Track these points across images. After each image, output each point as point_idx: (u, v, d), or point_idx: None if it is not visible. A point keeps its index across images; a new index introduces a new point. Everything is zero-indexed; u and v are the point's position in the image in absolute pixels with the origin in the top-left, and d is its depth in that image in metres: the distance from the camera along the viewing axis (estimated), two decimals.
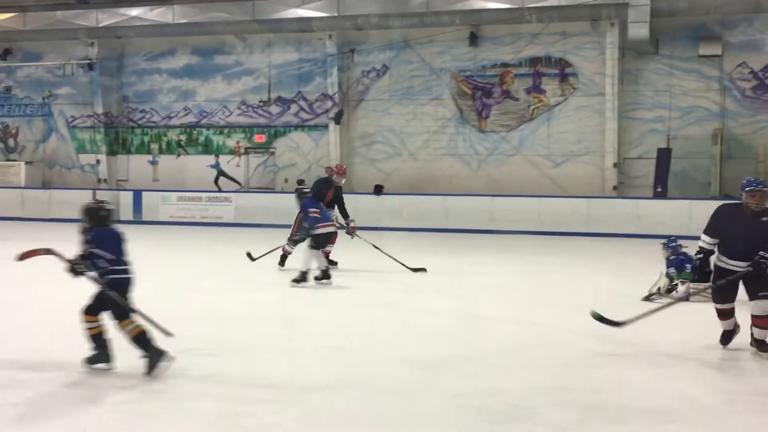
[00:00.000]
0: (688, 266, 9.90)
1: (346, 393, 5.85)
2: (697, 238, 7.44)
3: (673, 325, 8.37)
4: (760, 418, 5.34)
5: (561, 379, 6.27)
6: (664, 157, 19.83)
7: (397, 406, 5.52)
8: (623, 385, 6.09)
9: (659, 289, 10.03)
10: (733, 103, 20.32)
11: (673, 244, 10.41)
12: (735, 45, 20.20)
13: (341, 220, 12.80)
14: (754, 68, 20.14)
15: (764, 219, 6.98)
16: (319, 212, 11.36)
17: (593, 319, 7.46)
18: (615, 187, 20.84)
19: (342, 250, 12.83)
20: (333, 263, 12.53)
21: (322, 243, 11.25)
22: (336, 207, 12.83)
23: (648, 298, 9.89)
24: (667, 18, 19.93)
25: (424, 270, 12.27)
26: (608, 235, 18.55)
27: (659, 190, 19.45)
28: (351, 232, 12.72)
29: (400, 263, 12.30)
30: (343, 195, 12.96)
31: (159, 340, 6.35)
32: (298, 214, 12.58)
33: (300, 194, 12.69)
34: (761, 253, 6.88)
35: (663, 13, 19.50)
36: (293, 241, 12.58)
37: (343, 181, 13.11)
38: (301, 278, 10.88)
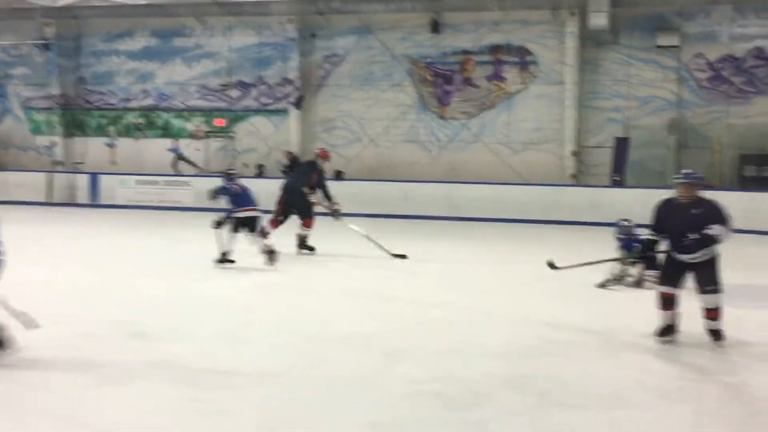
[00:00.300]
0: (637, 245, 9.75)
1: (303, 380, 5.86)
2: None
3: (629, 313, 8.51)
4: (709, 404, 5.45)
5: (517, 365, 6.34)
6: (621, 146, 20.05)
7: (355, 394, 5.54)
8: (578, 372, 6.18)
9: (613, 276, 10.16)
10: (689, 94, 20.59)
11: (625, 223, 10.49)
12: (692, 36, 20.45)
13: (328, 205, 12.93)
14: (710, 59, 20.41)
15: (696, 210, 7.12)
16: (240, 195, 11.43)
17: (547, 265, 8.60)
18: (573, 176, 21.03)
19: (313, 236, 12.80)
20: (311, 248, 12.62)
21: (239, 227, 11.27)
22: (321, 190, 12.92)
23: (603, 285, 10.03)
24: (627, 8, 20.13)
25: (404, 257, 12.25)
26: (566, 223, 18.71)
27: (617, 178, 19.67)
28: (336, 214, 12.75)
29: (383, 248, 12.32)
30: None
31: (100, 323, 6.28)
32: (281, 196, 12.81)
33: (226, 177, 12.46)
34: (694, 237, 6.99)
35: (622, 3, 19.70)
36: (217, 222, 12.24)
37: (327, 165, 13.22)
38: (222, 259, 11.13)
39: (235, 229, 11.27)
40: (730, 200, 18.64)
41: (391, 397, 5.44)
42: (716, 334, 7.07)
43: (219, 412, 5.11)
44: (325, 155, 13.27)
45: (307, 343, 6.94)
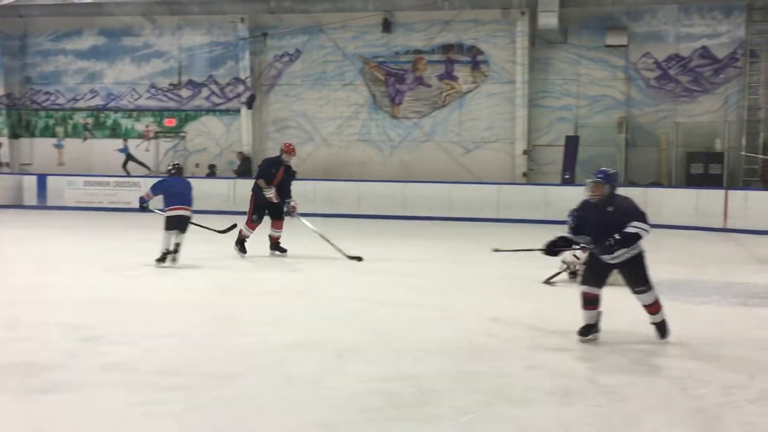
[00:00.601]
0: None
1: (255, 380, 5.82)
2: None
3: (577, 309, 8.59)
4: (657, 399, 5.52)
5: (468, 363, 6.36)
6: (571, 144, 20.28)
7: (306, 393, 5.52)
8: (528, 368, 6.22)
9: (562, 269, 10.27)
10: (637, 93, 20.90)
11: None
12: (640, 35, 20.76)
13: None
14: (657, 59, 20.74)
15: (609, 209, 7.07)
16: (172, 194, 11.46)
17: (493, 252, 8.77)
18: (524, 174, 21.23)
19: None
20: (283, 250, 12.49)
21: (170, 225, 11.23)
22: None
23: (548, 281, 10.13)
24: (576, 8, 20.38)
25: (360, 259, 12.07)
26: (518, 221, 18.87)
27: (567, 176, 19.88)
28: (290, 212, 12.52)
29: (338, 249, 12.19)
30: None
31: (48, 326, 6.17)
32: (251, 197, 12.66)
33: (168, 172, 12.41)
34: (614, 237, 6.86)
35: (571, 3, 19.93)
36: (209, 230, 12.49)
37: (293, 160, 12.76)
38: (161, 259, 11.13)
39: (168, 227, 11.17)
40: (678, 197, 19.05)
41: (342, 397, 5.42)
42: (660, 327, 7.12)
43: (167, 414, 5.05)
44: (289, 150, 12.79)
45: (258, 344, 6.89)
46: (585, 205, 7.31)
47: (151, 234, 13.21)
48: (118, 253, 13.06)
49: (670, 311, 8.54)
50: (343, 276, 10.95)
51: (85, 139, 24.52)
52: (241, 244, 12.44)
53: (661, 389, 5.74)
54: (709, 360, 6.53)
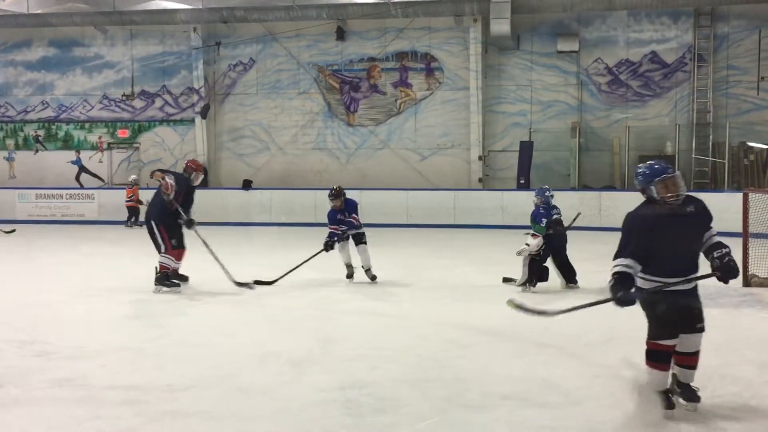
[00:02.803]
0: (544, 221, 10.02)
1: (209, 392, 5.76)
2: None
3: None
4: (613, 401, 5.57)
5: (425, 369, 6.37)
6: (526, 149, 20.45)
7: (262, 404, 5.48)
8: (486, 374, 6.24)
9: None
10: (590, 98, 21.18)
11: (545, 193, 10.31)
12: (591, 41, 21.04)
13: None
14: (608, 64, 21.05)
15: (690, 209, 5.30)
16: None
17: (511, 308, 6.03)
18: (480, 180, 21.37)
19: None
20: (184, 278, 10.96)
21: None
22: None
23: (507, 280, 10.38)
24: (527, 14, 20.59)
25: (250, 287, 10.55)
26: (474, 227, 18.98)
27: (522, 181, 20.04)
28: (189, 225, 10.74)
29: (227, 273, 10.80)
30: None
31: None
32: None
33: None
34: (720, 251, 5.37)
35: (523, 10, 20.12)
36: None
37: (200, 179, 11.09)
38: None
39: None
40: (631, 200, 19.26)
41: (299, 407, 5.39)
42: (690, 391, 5.34)
43: (121, 429, 4.98)
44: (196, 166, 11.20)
45: (212, 356, 6.83)
46: (651, 217, 5.21)
47: (103, 248, 13.08)
48: (71, 268, 12.87)
49: (625, 313, 8.66)
50: (297, 285, 10.89)
51: (36, 151, 24.16)
52: (166, 277, 10.58)
53: (616, 390, 5.79)
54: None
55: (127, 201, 20.23)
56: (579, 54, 21.02)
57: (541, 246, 10.00)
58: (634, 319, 8.21)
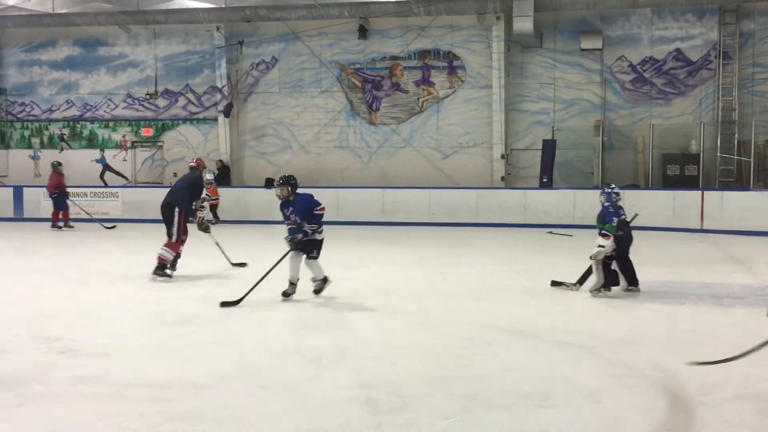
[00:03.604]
0: (615, 220, 9.63)
1: (232, 389, 5.78)
2: (583, 226, 7.62)
3: (557, 313, 8.63)
4: (634, 398, 5.55)
5: (446, 368, 6.36)
6: (549, 148, 20.35)
7: (284, 401, 5.49)
8: (507, 372, 6.23)
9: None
10: (613, 96, 21.04)
11: (609, 190, 10.03)
12: (614, 39, 20.90)
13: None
14: (632, 62, 20.89)
15: None
16: None
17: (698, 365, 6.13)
18: (503, 178, 21.29)
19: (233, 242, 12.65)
20: (242, 264, 12.20)
21: None
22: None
23: (556, 284, 10.05)
24: (551, 12, 20.48)
25: (244, 265, 12.07)
26: (497, 225, 18.92)
27: (545, 180, 19.94)
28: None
29: (225, 256, 12.19)
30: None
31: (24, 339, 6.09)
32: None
33: None
34: None
35: (546, 8, 20.01)
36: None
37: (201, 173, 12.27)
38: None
39: None
40: (655, 199, 19.07)
41: (320, 404, 5.40)
42: None
43: (144, 426, 5.01)
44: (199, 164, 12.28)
45: (235, 354, 6.86)
46: None
47: (128, 246, 13.15)
48: (94, 265, 12.96)
49: (648, 313, 8.62)
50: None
51: (61, 149, 24.35)
52: (168, 266, 11.40)
53: (638, 390, 5.77)
54: (687, 360, 6.56)
55: (211, 200, 20.21)
56: (602, 52, 20.88)
57: (612, 248, 9.57)
58: (657, 320, 8.22)
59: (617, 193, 9.98)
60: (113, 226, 19.08)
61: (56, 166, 19.81)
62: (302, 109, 22.79)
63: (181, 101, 23.59)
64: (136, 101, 23.84)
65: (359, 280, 11.20)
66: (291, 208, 9.64)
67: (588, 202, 18.41)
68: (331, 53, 22.50)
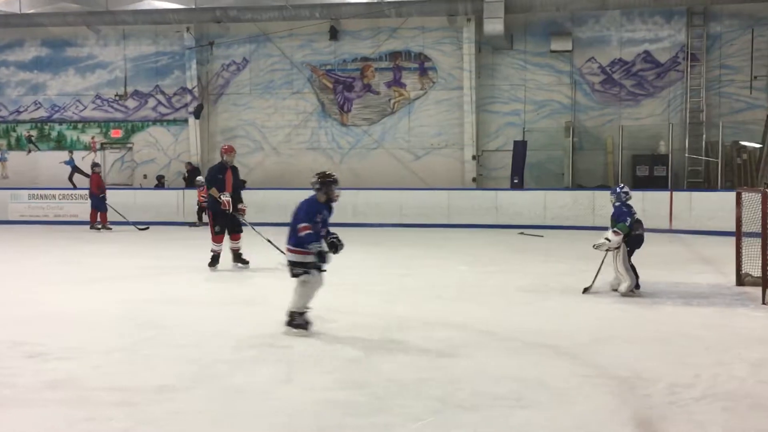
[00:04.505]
0: (628, 219, 9.74)
1: (204, 393, 5.75)
2: (554, 227, 7.67)
3: (528, 313, 8.67)
4: (603, 398, 5.58)
5: (419, 370, 6.36)
6: (520, 149, 20.46)
7: (257, 404, 5.47)
8: (480, 373, 6.24)
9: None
10: (583, 97, 21.20)
11: (619, 190, 10.10)
12: (584, 41, 21.07)
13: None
14: (602, 63, 21.08)
15: None
16: None
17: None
18: (474, 179, 21.37)
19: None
20: (245, 262, 12.25)
21: None
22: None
23: (586, 290, 9.92)
24: (521, 14, 20.60)
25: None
26: (468, 226, 18.98)
27: (516, 181, 20.05)
28: (240, 215, 12.27)
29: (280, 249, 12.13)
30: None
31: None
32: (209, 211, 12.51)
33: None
34: None
35: (517, 9, 20.13)
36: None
37: (234, 159, 12.45)
38: None
39: None
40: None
41: (294, 407, 5.38)
42: None
43: (115, 430, 4.97)
44: (227, 150, 12.46)
45: (207, 356, 6.81)
46: None
47: (96, 248, 13.04)
48: (62, 268, 12.84)
49: (618, 313, 8.68)
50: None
51: (29, 151, 24.09)
52: (214, 260, 12.10)
53: (608, 390, 5.81)
54: (655, 360, 6.62)
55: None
56: (572, 53, 21.05)
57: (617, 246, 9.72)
58: (626, 320, 8.29)
59: (627, 193, 10.08)
60: (146, 228, 18.91)
61: (95, 167, 19.96)
62: (273, 111, 22.73)
63: (151, 102, 23.44)
64: (105, 102, 23.65)
65: (331, 282, 11.14)
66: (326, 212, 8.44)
67: (558, 203, 18.60)
68: (302, 54, 22.47)
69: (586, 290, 9.92)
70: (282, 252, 11.87)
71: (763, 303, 9.10)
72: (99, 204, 19.40)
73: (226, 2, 21.10)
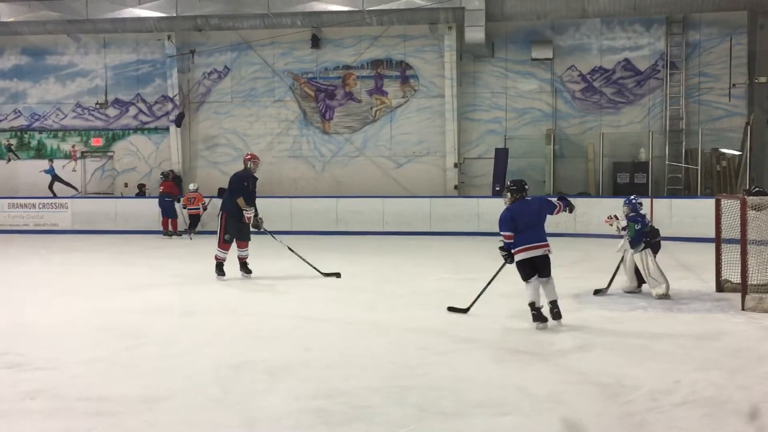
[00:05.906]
0: (638, 225, 10.13)
1: (184, 403, 5.71)
2: None
3: (509, 319, 8.68)
4: (585, 405, 5.60)
5: (400, 377, 6.35)
6: (501, 156, 20.51)
7: (237, 413, 5.44)
8: (460, 381, 6.24)
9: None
10: (564, 105, 21.30)
11: (633, 200, 10.46)
12: (565, 49, 21.17)
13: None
14: (582, 71, 21.19)
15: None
16: None
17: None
18: (456, 187, 21.41)
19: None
20: (248, 271, 12.17)
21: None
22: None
23: (598, 292, 10.34)
24: (502, 22, 20.68)
25: (338, 275, 12.15)
26: (450, 234, 19.02)
27: (498, 188, 20.05)
28: (259, 225, 12.27)
29: (313, 267, 12.29)
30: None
31: None
32: (223, 214, 12.12)
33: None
34: None
35: (498, 18, 20.20)
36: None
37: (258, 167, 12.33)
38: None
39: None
40: (605, 207, 19.28)
41: (274, 415, 5.37)
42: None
43: None
44: (254, 158, 12.27)
45: (187, 366, 6.78)
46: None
47: (78, 257, 12.96)
48: (43, 278, 12.74)
49: (599, 319, 8.72)
50: (275, 294, 10.86)
51: (8, 160, 23.92)
52: (219, 268, 12.03)
53: (590, 396, 5.82)
54: (636, 366, 6.64)
55: (191, 209, 20.11)
56: (553, 61, 21.15)
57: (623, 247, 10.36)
58: (607, 326, 8.33)
59: (640, 203, 10.48)
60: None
61: (168, 175, 20.91)
62: (255, 119, 22.70)
63: (132, 111, 23.34)
64: (86, 111, 23.53)
65: (312, 290, 11.15)
66: None
67: None
68: (283, 62, 22.46)
69: (597, 292, 10.29)
70: (307, 262, 11.93)
71: (743, 309, 9.16)
72: (169, 210, 20.07)
73: (208, 10, 21.05)
